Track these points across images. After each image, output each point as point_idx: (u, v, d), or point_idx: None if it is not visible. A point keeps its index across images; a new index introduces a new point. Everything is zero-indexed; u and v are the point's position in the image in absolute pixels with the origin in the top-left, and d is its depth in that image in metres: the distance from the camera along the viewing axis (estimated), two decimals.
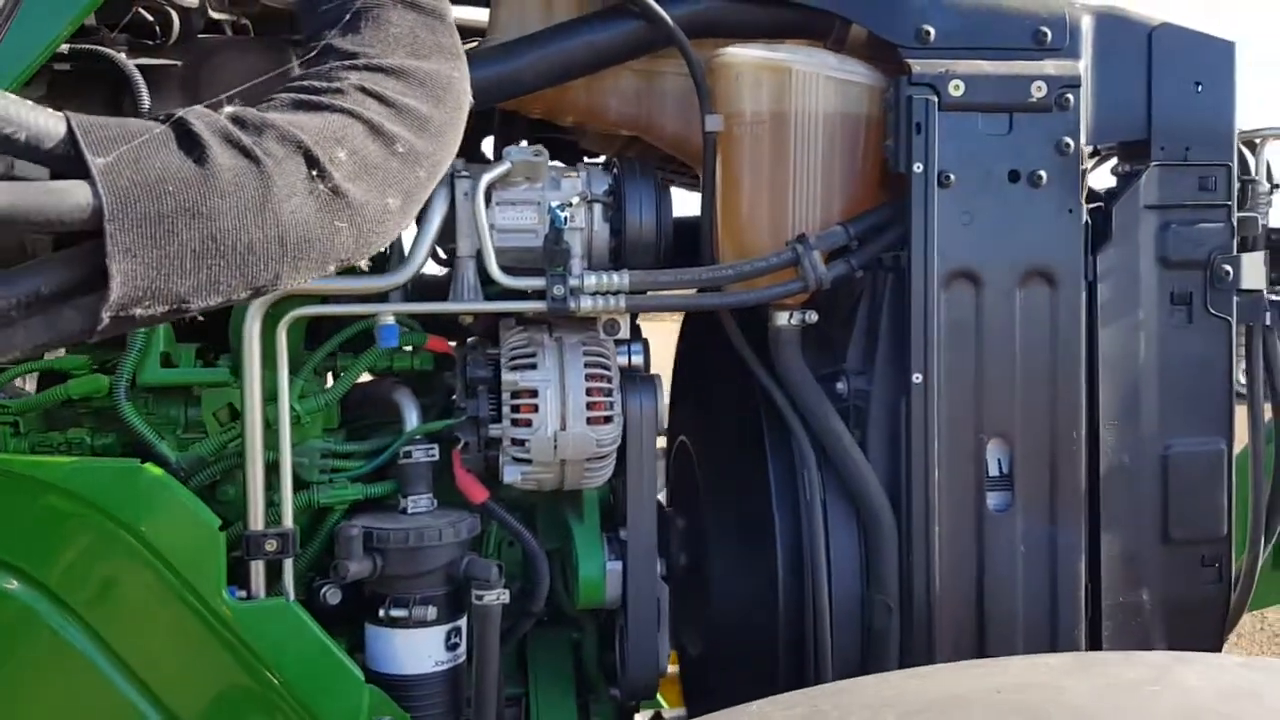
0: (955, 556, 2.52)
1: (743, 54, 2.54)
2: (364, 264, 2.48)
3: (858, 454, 2.55)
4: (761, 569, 2.64)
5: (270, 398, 2.40)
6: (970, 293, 2.53)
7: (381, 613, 2.46)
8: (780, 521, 2.61)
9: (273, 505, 2.42)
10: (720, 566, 2.82)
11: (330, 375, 2.66)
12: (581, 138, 3.12)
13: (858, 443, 2.57)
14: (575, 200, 2.47)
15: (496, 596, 2.46)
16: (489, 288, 2.57)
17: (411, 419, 2.60)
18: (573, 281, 2.48)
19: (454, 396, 2.70)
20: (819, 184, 2.56)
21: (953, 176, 2.50)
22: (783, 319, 2.62)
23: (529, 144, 2.75)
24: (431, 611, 2.45)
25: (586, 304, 2.48)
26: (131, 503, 2.26)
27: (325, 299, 2.46)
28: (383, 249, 1.71)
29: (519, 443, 2.53)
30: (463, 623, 2.56)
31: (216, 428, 2.49)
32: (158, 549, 2.26)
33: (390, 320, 2.40)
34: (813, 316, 2.62)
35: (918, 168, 2.49)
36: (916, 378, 2.52)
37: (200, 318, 2.72)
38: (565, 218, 2.41)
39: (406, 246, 2.45)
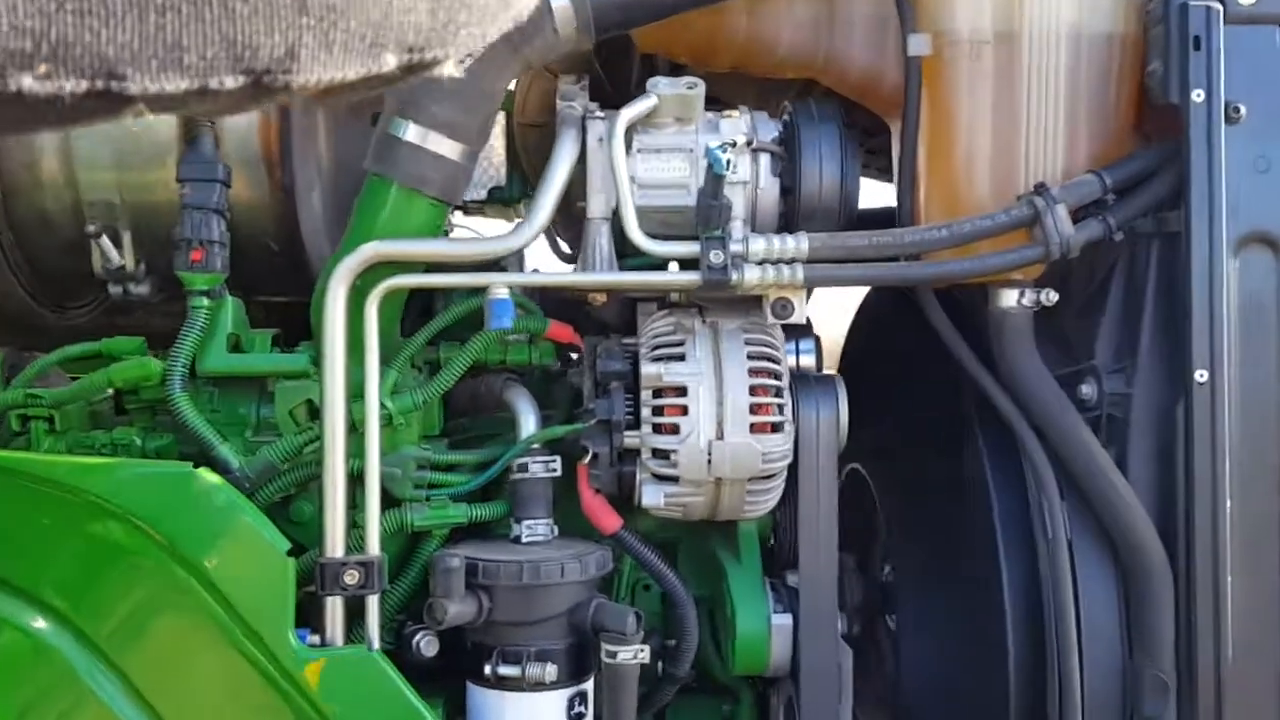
0: (1254, 616, 1.85)
1: None
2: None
3: (1118, 478, 1.90)
4: (980, 630, 2.00)
5: (357, 393, 1.90)
6: (1270, 262, 1.87)
7: (488, 669, 1.91)
8: (1008, 568, 1.97)
9: (356, 528, 1.92)
10: (917, 626, 2.19)
11: (430, 370, 2.15)
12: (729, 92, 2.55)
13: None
14: (739, 142, 1.92)
15: (634, 654, 1.89)
16: (626, 259, 2.04)
17: (529, 424, 2.07)
18: (734, 247, 1.93)
19: (581, 398, 2.17)
20: (1060, 121, 1.96)
21: (1243, 109, 1.87)
22: (1009, 299, 2.00)
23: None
24: (551, 671, 1.90)
25: (752, 275, 1.92)
26: (179, 517, 1.79)
27: (427, 267, 1.96)
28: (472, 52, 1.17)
29: (663, 454, 1.96)
30: (589, 686, 1.99)
31: (292, 428, 2.01)
32: (209, 577, 1.78)
33: (504, 293, 1.89)
34: (1052, 296, 1.99)
35: (1197, 96, 1.87)
36: (1200, 375, 1.87)
37: (276, 298, 2.28)
38: (728, 162, 1.86)
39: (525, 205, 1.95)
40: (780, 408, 1.98)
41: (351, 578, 1.86)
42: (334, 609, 1.87)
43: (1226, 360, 1.87)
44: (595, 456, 2.03)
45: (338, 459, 1.87)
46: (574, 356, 2.21)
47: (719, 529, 2.19)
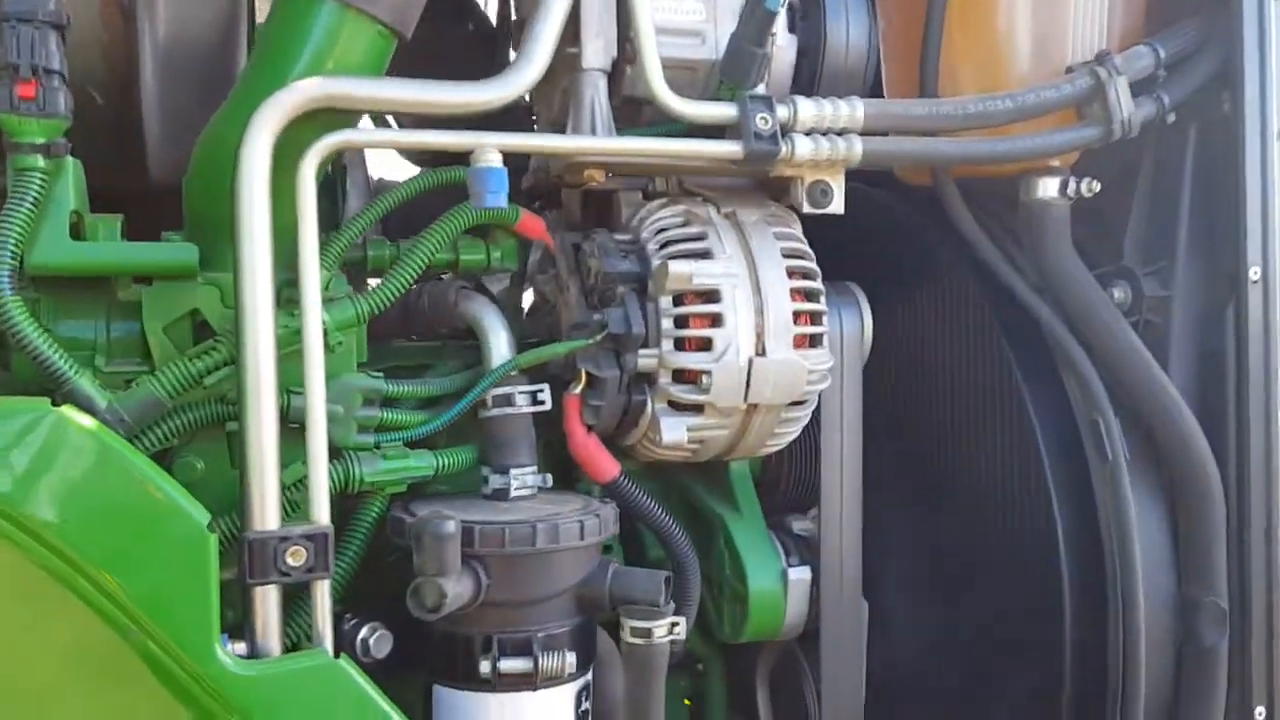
0: None
1: None
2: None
3: (1172, 391, 1.71)
4: (1027, 562, 1.75)
5: (281, 299, 1.34)
6: None
7: (484, 666, 1.42)
8: (1056, 491, 1.73)
9: (286, 490, 1.36)
10: (953, 563, 1.91)
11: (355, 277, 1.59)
12: None
13: None
14: None
15: (668, 630, 1.47)
16: (632, 129, 1.60)
17: (499, 344, 1.58)
18: (780, 111, 1.53)
19: (544, 312, 1.70)
20: None
21: None
22: (1049, 189, 1.75)
23: None
24: (570, 661, 1.44)
25: (804, 147, 1.54)
26: (36, 479, 1.16)
27: (379, 118, 1.41)
28: None
29: (691, 378, 1.55)
30: (590, 675, 1.55)
31: (170, 351, 1.40)
32: (88, 566, 1.17)
33: (496, 159, 1.38)
34: (1094, 186, 1.76)
35: None
36: (1254, 273, 1.71)
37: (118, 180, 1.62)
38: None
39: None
40: (821, 316, 1.62)
41: (296, 557, 1.30)
42: (265, 602, 1.31)
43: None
44: (591, 384, 1.58)
45: (264, 391, 1.30)
46: (534, 258, 1.73)
47: (701, 471, 1.80)
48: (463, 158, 1.39)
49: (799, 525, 1.81)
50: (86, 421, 1.21)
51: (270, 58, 1.39)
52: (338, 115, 1.37)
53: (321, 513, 1.33)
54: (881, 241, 1.93)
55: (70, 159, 1.34)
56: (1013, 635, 1.77)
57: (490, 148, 1.38)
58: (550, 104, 1.69)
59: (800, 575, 1.74)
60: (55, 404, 1.20)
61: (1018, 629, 1.76)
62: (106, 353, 1.41)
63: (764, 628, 1.74)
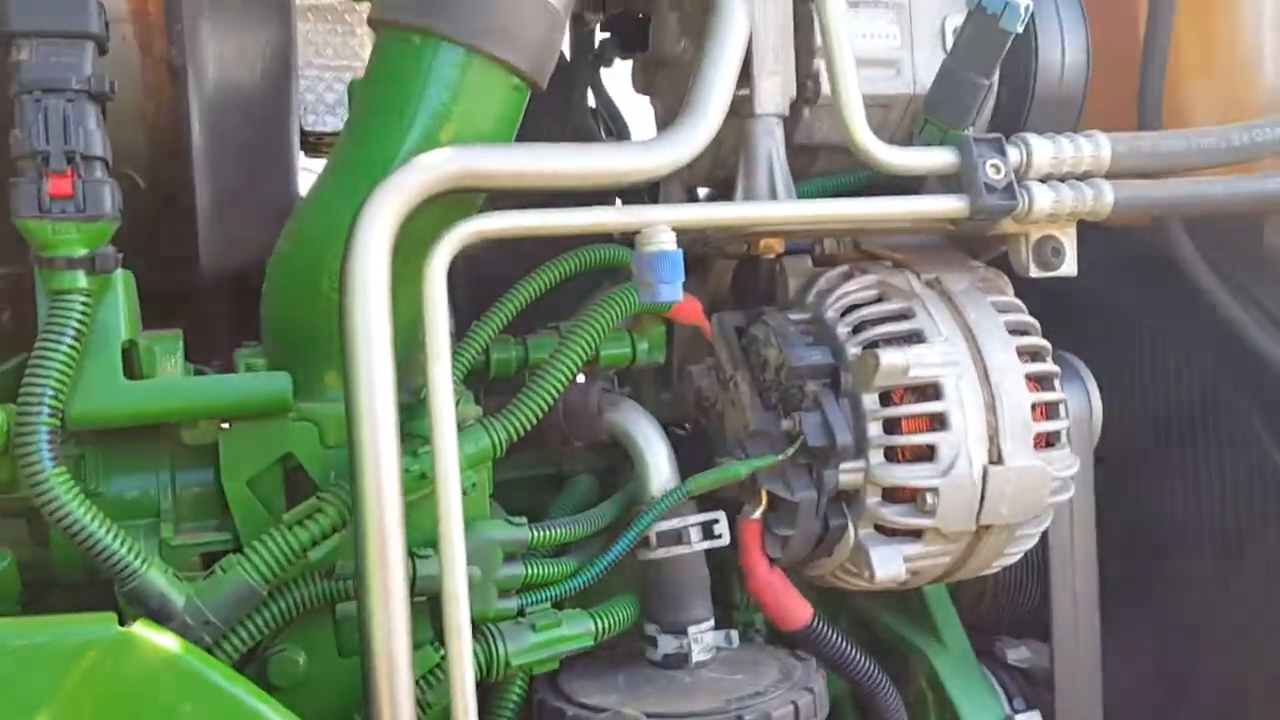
0: None
1: None
2: None
3: None
4: None
5: (409, 430, 1.01)
6: None
7: None
8: None
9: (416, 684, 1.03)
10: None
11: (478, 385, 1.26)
12: None
13: None
14: None
15: None
16: (807, 183, 1.28)
17: (659, 461, 1.25)
18: (1013, 155, 1.20)
19: (709, 412, 1.36)
20: None
21: None
22: None
23: None
24: None
25: (1044, 199, 1.21)
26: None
27: (526, 200, 1.08)
28: None
29: (908, 496, 1.21)
30: None
31: (255, 512, 1.06)
32: None
33: (670, 240, 1.05)
34: None
35: None
36: None
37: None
38: (1023, 10, 1.13)
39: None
40: (1059, 407, 1.29)
41: None
42: None
43: None
44: (774, 506, 1.24)
45: (391, 560, 0.97)
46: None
47: (885, 590, 1.46)
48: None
49: (1015, 655, 1.48)
50: (165, 642, 0.87)
51: (376, 123, 1.06)
52: (464, 192, 1.05)
53: (468, 715, 0.99)
54: (1083, 299, 1.59)
55: (121, 273, 1.01)
56: None
57: (662, 227, 1.05)
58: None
59: None
60: (119, 610, 0.87)
61: None
62: (174, 517, 1.07)
63: None
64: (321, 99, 1.93)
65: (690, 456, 1.34)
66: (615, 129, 2.34)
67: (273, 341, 1.13)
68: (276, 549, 1.00)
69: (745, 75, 1.21)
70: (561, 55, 2.25)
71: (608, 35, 2.31)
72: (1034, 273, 1.28)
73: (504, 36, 1.05)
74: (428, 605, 1.10)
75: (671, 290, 1.06)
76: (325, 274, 1.04)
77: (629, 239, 1.10)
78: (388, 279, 0.97)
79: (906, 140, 1.30)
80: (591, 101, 2.37)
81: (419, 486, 1.05)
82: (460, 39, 1.04)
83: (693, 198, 1.50)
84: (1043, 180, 1.23)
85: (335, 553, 1.05)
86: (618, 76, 2.08)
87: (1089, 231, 1.31)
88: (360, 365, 0.96)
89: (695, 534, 1.22)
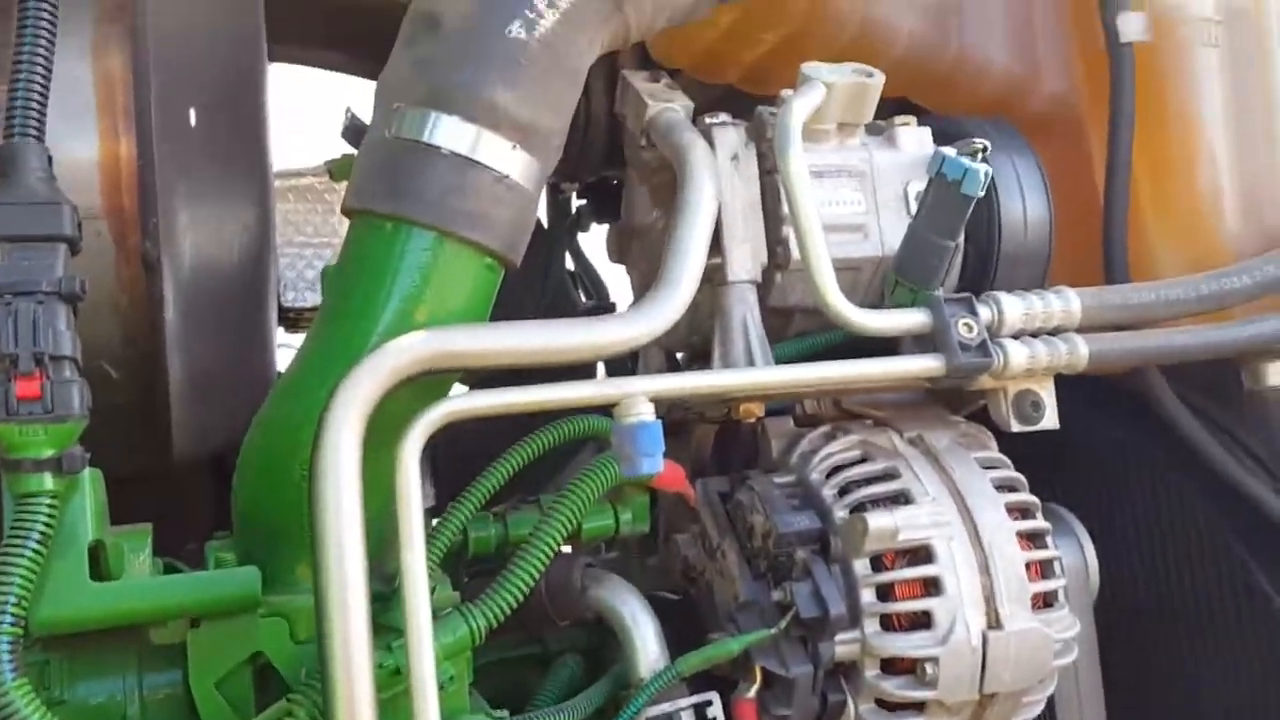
0: None
1: None
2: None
3: None
4: None
5: (383, 621, 0.98)
6: None
7: None
8: None
9: None
10: None
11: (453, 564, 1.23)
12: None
13: None
14: (986, 147, 1.22)
15: None
16: (785, 345, 1.29)
17: (648, 644, 1.21)
18: (983, 313, 1.21)
19: (695, 580, 1.33)
20: None
21: None
22: None
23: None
24: None
25: (1019, 355, 1.21)
26: None
27: (492, 376, 1.08)
28: None
29: (907, 666, 1.17)
30: None
31: (224, 715, 1.02)
32: None
33: (648, 412, 1.04)
34: None
35: None
36: None
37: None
38: (983, 176, 1.16)
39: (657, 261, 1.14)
40: (1054, 565, 1.26)
41: None
42: None
43: None
44: (768, 683, 1.20)
45: None
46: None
47: None
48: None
49: None
50: None
51: (348, 308, 1.07)
52: (437, 373, 1.04)
53: None
54: (1051, 447, 1.58)
55: (88, 472, 0.99)
56: None
57: (640, 398, 1.05)
58: None
59: None
60: None
61: None
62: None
63: None
64: (301, 275, 1.95)
65: (682, 626, 1.30)
66: (595, 292, 2.38)
67: (244, 532, 1.10)
68: None
69: (716, 244, 1.23)
70: (539, 222, 2.32)
71: (584, 202, 2.36)
72: (1015, 428, 1.28)
73: (475, 219, 1.06)
74: None
75: (652, 462, 1.04)
76: (297, 461, 1.02)
77: (609, 408, 1.09)
78: (359, 466, 0.95)
79: (879, 299, 1.31)
80: (570, 265, 2.41)
81: (394, 683, 1.01)
82: (432, 223, 1.05)
83: (672, 362, 1.50)
84: (1015, 336, 1.23)
85: None
86: (595, 240, 2.12)
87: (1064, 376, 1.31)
88: (330, 557, 0.94)
89: (688, 718, 1.17)
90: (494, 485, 1.18)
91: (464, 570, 1.28)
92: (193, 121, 1.31)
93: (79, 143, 1.17)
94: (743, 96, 1.65)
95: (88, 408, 0.98)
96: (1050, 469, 1.50)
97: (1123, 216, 1.43)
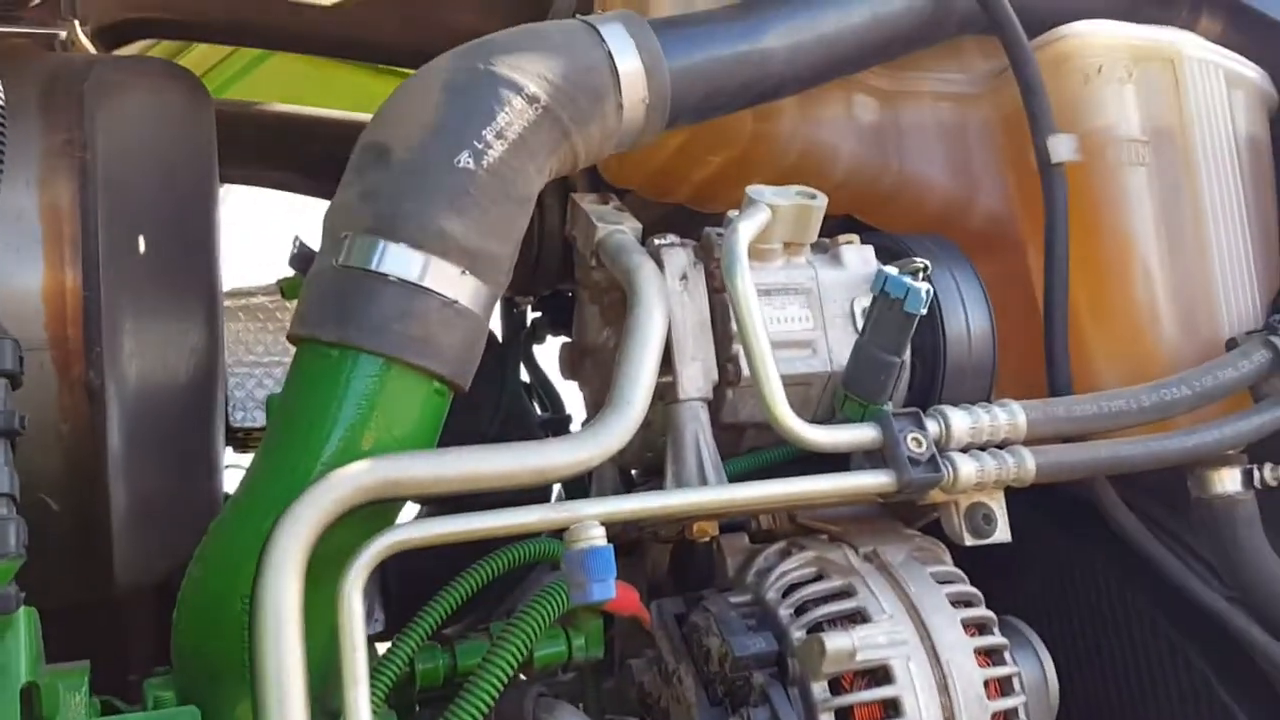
0: None
1: (1103, 33, 1.50)
2: None
3: None
4: None
5: None
6: None
7: None
8: None
9: None
10: None
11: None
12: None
13: None
14: (927, 266, 1.25)
15: None
16: (737, 460, 1.29)
17: None
18: (931, 427, 1.22)
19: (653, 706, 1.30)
20: (1245, 235, 1.50)
21: None
22: (1230, 482, 1.44)
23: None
24: None
25: (968, 469, 1.22)
26: None
27: (445, 502, 1.07)
28: None
29: None
30: None
31: None
32: None
33: (600, 537, 1.03)
34: None
35: None
36: None
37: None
38: (927, 294, 1.18)
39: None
40: (1012, 682, 1.25)
41: None
42: None
43: None
44: None
45: None
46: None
47: None
48: None
49: None
50: None
51: (292, 435, 1.05)
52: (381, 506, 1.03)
53: None
54: (1002, 555, 1.59)
55: (23, 612, 0.96)
56: None
57: (592, 523, 1.04)
58: None
59: None
60: None
61: None
62: None
63: None
64: (251, 395, 1.94)
65: None
66: (550, 404, 2.38)
67: (183, 669, 1.06)
68: None
69: (667, 362, 1.23)
70: (493, 335, 2.33)
71: (539, 315, 2.38)
72: (969, 541, 1.28)
73: (423, 344, 1.06)
74: None
75: (604, 588, 1.03)
76: (238, 596, 1.00)
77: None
78: (300, 602, 0.93)
79: (830, 413, 1.32)
80: (526, 377, 2.41)
81: None
82: (378, 350, 1.05)
83: (626, 480, 1.49)
84: (964, 450, 1.24)
85: None
86: (550, 352, 2.13)
87: None
88: (271, 698, 0.91)
89: None
90: (442, 614, 1.16)
91: (415, 698, 1.24)
92: (141, 248, 1.31)
93: (24, 273, 1.17)
94: (692, 213, 1.69)
95: (24, 545, 0.95)
96: (1000, 579, 1.50)
97: (1063, 329, 1.46)
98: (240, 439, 1.95)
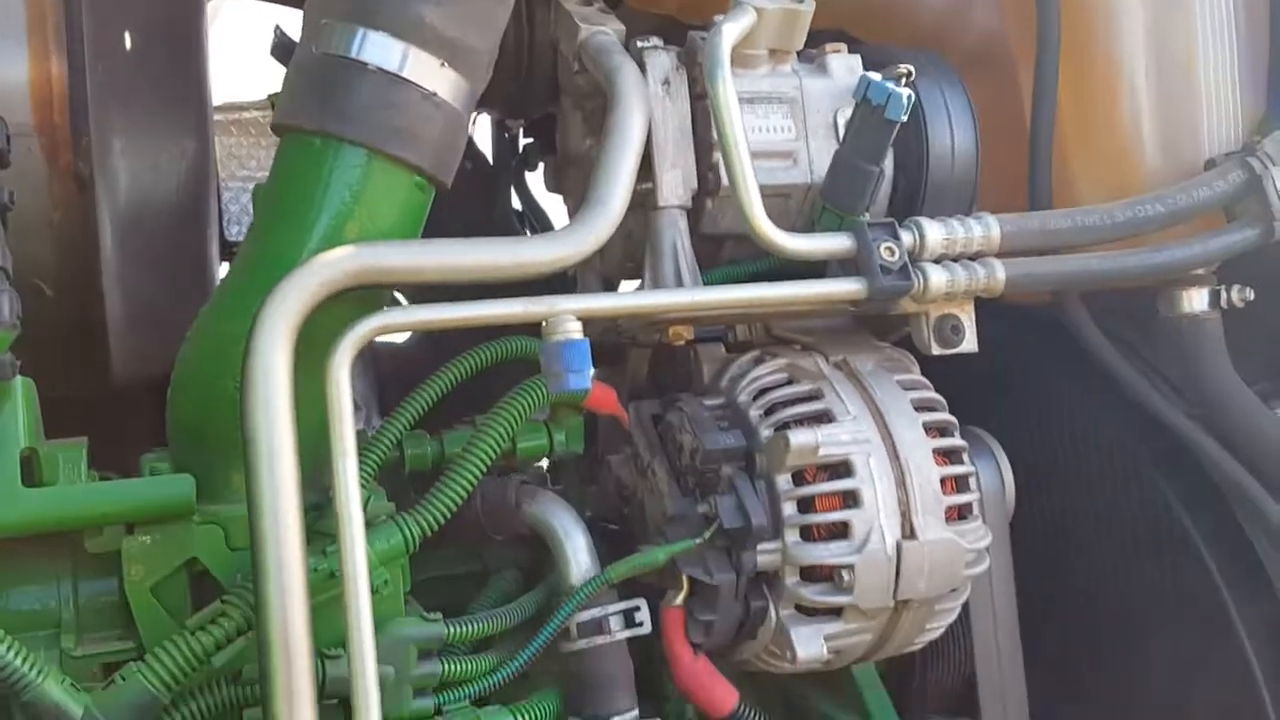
0: None
1: None
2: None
3: None
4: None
5: (320, 529, 1.01)
6: None
7: None
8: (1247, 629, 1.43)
9: None
10: None
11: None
12: None
13: None
14: (910, 72, 1.25)
15: None
16: (715, 271, 1.32)
17: (579, 554, 1.25)
18: (905, 238, 1.25)
19: (627, 499, 1.37)
20: (1235, 57, 1.49)
21: None
22: (1198, 301, 1.48)
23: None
24: None
25: (939, 279, 1.26)
26: None
27: (429, 290, 1.10)
28: None
29: (825, 574, 1.22)
30: None
31: (159, 620, 1.05)
32: None
33: (576, 330, 1.07)
34: (1248, 293, 1.49)
35: None
36: None
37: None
38: (908, 100, 1.19)
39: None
40: (969, 480, 1.31)
41: None
42: None
43: None
44: (695, 591, 1.24)
45: (296, 664, 0.96)
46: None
47: (814, 674, 1.45)
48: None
49: None
50: None
51: (278, 225, 1.09)
52: (366, 289, 1.06)
53: None
54: (982, 376, 1.63)
55: (20, 380, 1.01)
56: None
57: (568, 316, 1.08)
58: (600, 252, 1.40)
59: None
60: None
61: None
62: (75, 628, 1.05)
63: None
64: (246, 209, 1.95)
65: (621, 552, 1.34)
66: (541, 231, 2.38)
67: (179, 444, 1.12)
68: (178, 655, 0.98)
69: (647, 169, 1.25)
70: (485, 159, 2.32)
71: (531, 140, 2.36)
72: (936, 350, 1.32)
73: (404, 137, 1.08)
74: (340, 708, 1.07)
75: (579, 378, 1.07)
76: (229, 374, 1.05)
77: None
78: (288, 376, 0.97)
79: (809, 225, 1.35)
80: (517, 204, 2.41)
81: (329, 586, 1.04)
82: (361, 140, 1.07)
83: (610, 289, 1.53)
84: (936, 261, 1.27)
85: (240, 657, 1.03)
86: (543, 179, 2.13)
87: (996, 307, 1.35)
88: (262, 464, 0.96)
89: (616, 623, 1.22)
90: (427, 401, 1.21)
91: (413, 491, 1.30)
92: (128, 45, 1.31)
93: (9, 61, 1.18)
94: (680, 29, 1.67)
95: (18, 317, 0.99)
96: (985, 395, 1.55)
97: (1047, 146, 1.47)
98: (235, 253, 1.97)
